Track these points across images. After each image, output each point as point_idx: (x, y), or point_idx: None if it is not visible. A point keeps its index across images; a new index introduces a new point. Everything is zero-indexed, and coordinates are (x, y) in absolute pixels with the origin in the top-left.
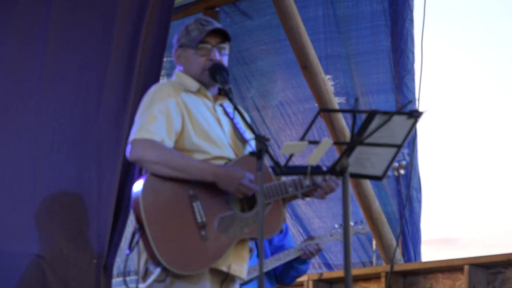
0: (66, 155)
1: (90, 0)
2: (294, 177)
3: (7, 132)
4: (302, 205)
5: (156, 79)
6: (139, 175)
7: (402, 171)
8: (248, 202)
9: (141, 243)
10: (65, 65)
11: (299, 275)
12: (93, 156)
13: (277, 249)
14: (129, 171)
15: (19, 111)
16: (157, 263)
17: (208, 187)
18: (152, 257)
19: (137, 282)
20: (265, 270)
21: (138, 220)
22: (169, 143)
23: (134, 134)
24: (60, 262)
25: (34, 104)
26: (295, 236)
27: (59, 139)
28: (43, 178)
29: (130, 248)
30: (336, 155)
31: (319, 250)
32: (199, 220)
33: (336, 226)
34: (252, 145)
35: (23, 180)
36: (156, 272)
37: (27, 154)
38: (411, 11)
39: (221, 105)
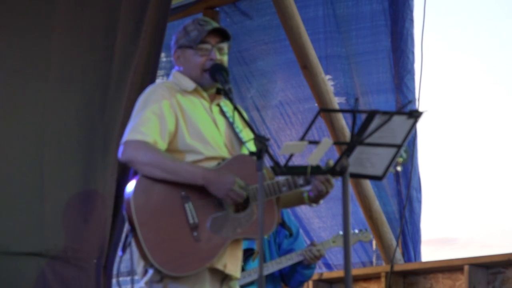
0: (72, 155)
1: (93, 1)
2: (288, 176)
3: (15, 132)
4: (302, 205)
5: (152, 78)
6: (134, 176)
7: (399, 168)
8: (242, 202)
9: (131, 243)
10: (70, 66)
11: (304, 279)
12: (98, 156)
13: (286, 253)
14: (127, 170)
15: (26, 111)
16: (150, 265)
17: (200, 188)
18: (144, 259)
19: (132, 282)
20: (266, 273)
21: (130, 221)
22: (162, 144)
23: (127, 135)
24: (60, 262)
25: (41, 105)
26: None
27: (65, 140)
28: (50, 178)
29: (123, 250)
30: (336, 155)
31: (321, 256)
32: (191, 221)
33: (340, 233)
34: (247, 146)
35: (30, 181)
36: (149, 273)
37: (34, 154)
38: (411, 11)
39: (218, 105)
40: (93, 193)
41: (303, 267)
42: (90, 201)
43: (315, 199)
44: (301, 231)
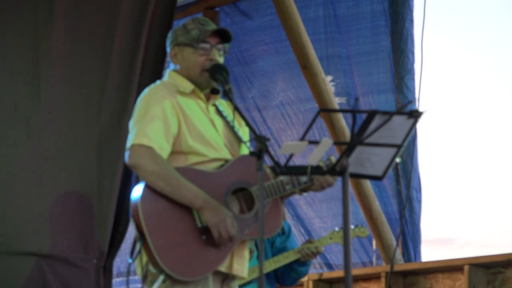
0: (69, 156)
1: (92, 1)
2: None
3: (14, 132)
4: (303, 206)
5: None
6: (136, 181)
7: (398, 160)
8: (247, 203)
9: (141, 250)
10: (69, 66)
11: (300, 277)
12: (95, 157)
13: (279, 251)
14: (131, 172)
15: (27, 112)
16: (160, 271)
17: (205, 191)
18: (154, 265)
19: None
20: (264, 272)
21: (138, 228)
22: (167, 147)
23: (133, 139)
24: (60, 262)
25: (41, 105)
26: (296, 237)
27: (62, 140)
28: (47, 178)
29: (132, 256)
30: (336, 155)
31: (318, 253)
32: (199, 225)
33: (337, 229)
34: (247, 144)
35: (30, 181)
36: (160, 278)
37: (32, 154)
38: (411, 11)
39: (214, 105)
40: (90, 193)
41: (299, 265)
42: (87, 201)
43: (308, 190)
44: (293, 229)
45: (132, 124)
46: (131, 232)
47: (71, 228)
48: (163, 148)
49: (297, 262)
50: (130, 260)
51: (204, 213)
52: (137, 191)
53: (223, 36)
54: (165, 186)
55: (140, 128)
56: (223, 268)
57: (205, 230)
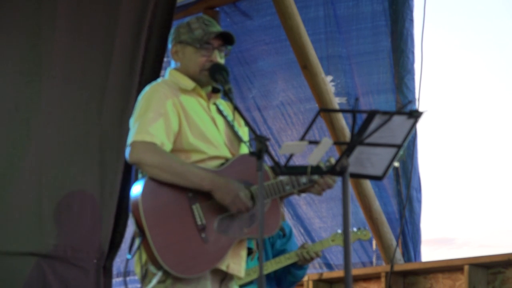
0: (70, 155)
1: (93, 1)
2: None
3: (15, 131)
4: (303, 206)
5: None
6: (136, 178)
7: (397, 164)
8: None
9: (141, 246)
10: (70, 66)
11: (297, 280)
12: (96, 157)
13: (279, 253)
14: (131, 172)
15: (29, 111)
16: (159, 267)
17: None
18: (153, 261)
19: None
20: (265, 272)
21: (138, 224)
22: (168, 145)
23: (134, 136)
24: (60, 262)
25: (42, 105)
26: (296, 237)
27: (63, 139)
28: (48, 178)
29: (131, 252)
30: (336, 155)
31: (316, 257)
32: (199, 222)
33: (339, 231)
34: (247, 144)
35: (30, 182)
36: (158, 275)
37: (34, 154)
38: (411, 11)
39: (214, 104)
40: (91, 193)
41: (296, 268)
42: (88, 201)
43: (307, 191)
44: (293, 229)
45: (133, 121)
46: (130, 232)
47: (72, 228)
48: (165, 144)
49: (294, 265)
50: (129, 256)
51: (216, 194)
52: (137, 188)
53: (226, 38)
54: (169, 176)
55: (141, 125)
56: (223, 266)
57: (204, 228)
